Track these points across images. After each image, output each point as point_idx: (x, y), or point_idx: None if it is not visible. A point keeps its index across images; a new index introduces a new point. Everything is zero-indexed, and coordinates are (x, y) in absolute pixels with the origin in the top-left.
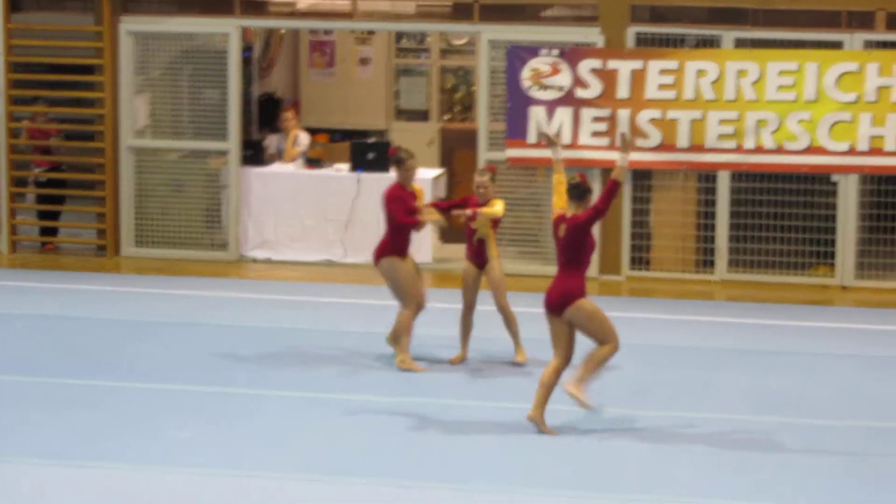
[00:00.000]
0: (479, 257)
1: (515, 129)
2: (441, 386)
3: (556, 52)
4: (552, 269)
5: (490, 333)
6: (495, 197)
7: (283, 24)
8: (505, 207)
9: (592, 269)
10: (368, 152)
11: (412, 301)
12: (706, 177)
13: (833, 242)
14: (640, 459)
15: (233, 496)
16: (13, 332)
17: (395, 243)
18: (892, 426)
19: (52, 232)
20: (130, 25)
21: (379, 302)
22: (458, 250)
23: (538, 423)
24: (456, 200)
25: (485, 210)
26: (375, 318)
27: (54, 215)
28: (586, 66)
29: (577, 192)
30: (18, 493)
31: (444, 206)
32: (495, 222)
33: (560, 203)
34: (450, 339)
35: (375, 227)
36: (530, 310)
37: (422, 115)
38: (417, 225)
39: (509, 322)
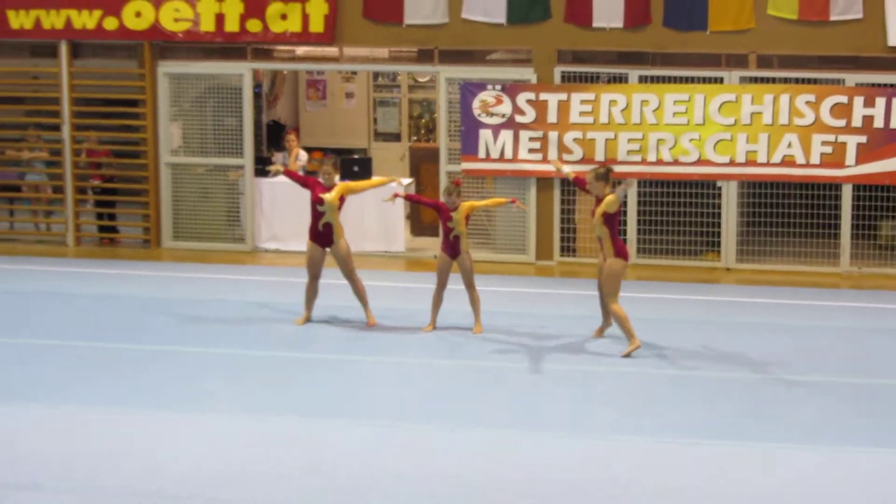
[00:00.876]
0: (452, 250)
1: (469, 146)
2: (419, 347)
3: (499, 87)
4: (501, 256)
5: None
6: (462, 202)
7: (285, 67)
8: (474, 204)
9: (530, 255)
10: (353, 166)
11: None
12: (619, 183)
13: (719, 234)
14: (564, 401)
15: (247, 435)
16: (77, 307)
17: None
18: (760, 377)
19: (108, 230)
20: (166, 68)
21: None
22: (426, 242)
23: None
24: (430, 201)
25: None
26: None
27: (110, 216)
28: (523, 97)
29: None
30: (79, 434)
31: (415, 199)
32: (467, 221)
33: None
34: (421, 311)
35: (359, 223)
36: (483, 288)
37: (395, 137)
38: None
39: (475, 302)
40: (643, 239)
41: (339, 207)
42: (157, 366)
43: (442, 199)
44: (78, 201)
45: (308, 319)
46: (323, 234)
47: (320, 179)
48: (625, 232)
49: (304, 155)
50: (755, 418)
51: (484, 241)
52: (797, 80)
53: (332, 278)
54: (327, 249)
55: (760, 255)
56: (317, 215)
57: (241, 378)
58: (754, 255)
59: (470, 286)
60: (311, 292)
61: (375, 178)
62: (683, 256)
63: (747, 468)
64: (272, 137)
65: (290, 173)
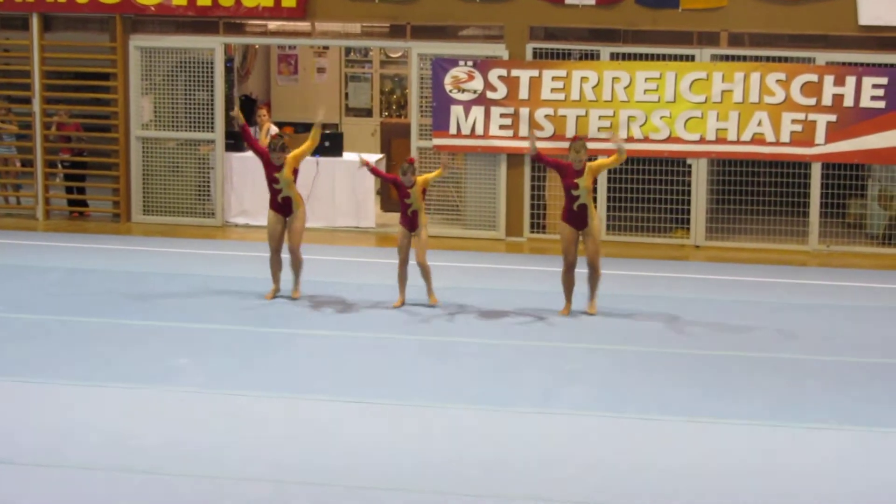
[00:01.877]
0: (410, 224)
1: (440, 122)
2: (387, 322)
3: (470, 63)
4: (471, 233)
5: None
6: (417, 176)
7: (257, 41)
8: (426, 177)
9: (500, 231)
10: (325, 141)
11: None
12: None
13: (689, 211)
14: (534, 379)
15: (215, 410)
16: (46, 281)
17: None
18: (730, 354)
19: (78, 203)
20: (138, 42)
21: (333, 258)
22: (397, 217)
23: None
24: (390, 176)
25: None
26: (330, 270)
27: (80, 190)
28: (495, 73)
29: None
30: (48, 409)
31: (377, 172)
32: (423, 194)
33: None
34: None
35: (331, 199)
36: (452, 264)
37: (367, 112)
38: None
39: (426, 274)
40: (613, 216)
41: (294, 179)
42: (127, 341)
43: (400, 177)
44: (47, 175)
45: (277, 291)
46: (283, 205)
47: (273, 161)
48: (597, 208)
49: (275, 129)
50: (724, 394)
51: (454, 217)
52: (768, 59)
53: (305, 253)
54: (287, 219)
55: (729, 233)
56: (275, 191)
57: (210, 353)
58: (723, 232)
59: (420, 261)
60: (276, 265)
61: (311, 140)
62: (653, 234)
63: (716, 444)
64: (244, 112)
65: (247, 130)
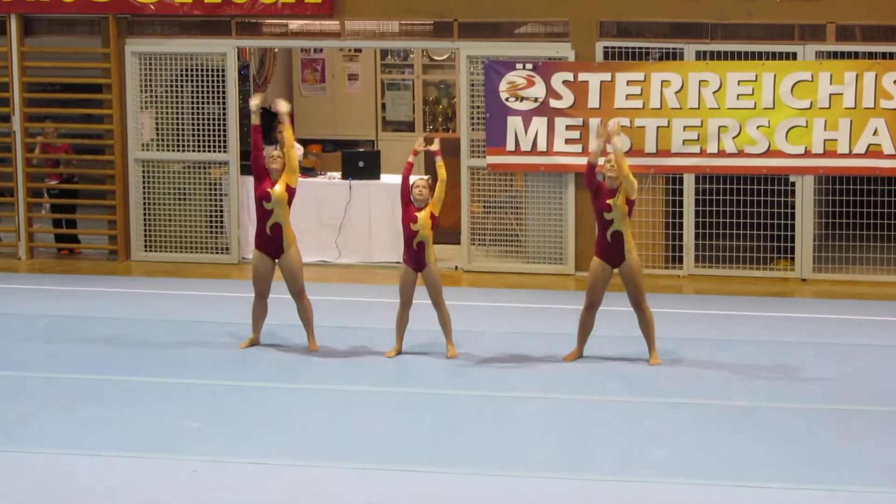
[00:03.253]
0: (416, 261)
1: (495, 137)
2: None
3: (530, 66)
4: (531, 267)
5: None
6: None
7: (276, 44)
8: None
9: (569, 265)
10: (358, 161)
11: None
12: (672, 179)
13: (792, 238)
14: (614, 442)
15: (235, 481)
16: (32, 332)
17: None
18: (849, 408)
19: (68, 239)
20: (135, 47)
21: (370, 300)
22: (445, 251)
23: None
24: (405, 188)
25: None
26: (366, 313)
27: (69, 223)
28: (559, 78)
29: None
30: (33, 481)
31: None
32: (434, 225)
33: None
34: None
35: (367, 229)
36: (511, 304)
37: (407, 126)
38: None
39: (444, 320)
40: (701, 245)
41: (289, 202)
42: (127, 400)
43: (411, 195)
44: (31, 206)
45: (255, 342)
46: (271, 239)
47: (268, 166)
48: (680, 236)
49: (298, 148)
50: (840, 457)
51: (514, 250)
52: (884, 56)
53: (334, 294)
54: (277, 261)
55: (842, 264)
56: (263, 215)
57: (226, 414)
58: (835, 262)
59: (438, 304)
60: (260, 312)
61: (289, 144)
62: (750, 266)
63: None
64: (262, 128)
65: (259, 133)
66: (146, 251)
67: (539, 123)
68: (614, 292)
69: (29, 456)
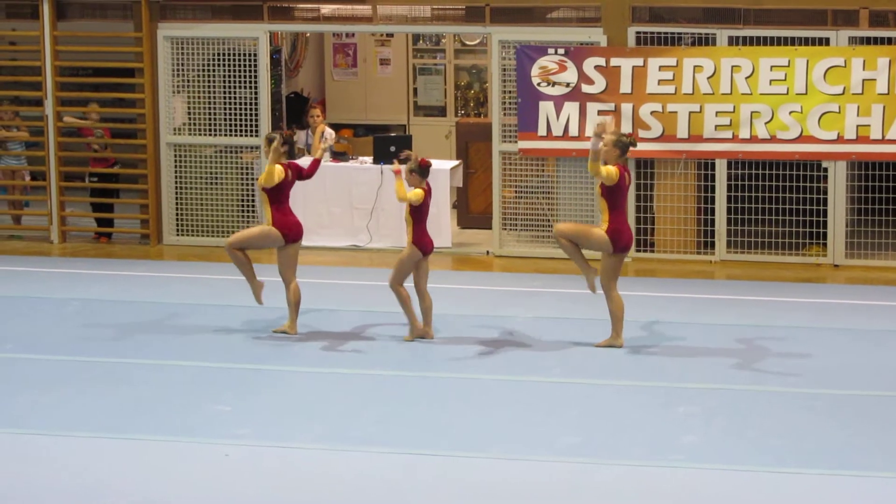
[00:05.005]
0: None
1: (526, 122)
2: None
3: (562, 51)
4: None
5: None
6: (417, 187)
7: (308, 28)
8: (418, 199)
9: None
10: (390, 146)
11: None
12: (705, 164)
13: (825, 224)
14: (646, 426)
15: (266, 465)
16: (64, 316)
17: None
18: (889, 395)
19: (104, 224)
20: (167, 31)
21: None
22: (477, 235)
23: None
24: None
25: (396, 185)
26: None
27: (107, 208)
28: (590, 63)
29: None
30: (63, 465)
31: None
32: (413, 210)
33: None
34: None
35: (398, 214)
36: (543, 290)
37: (439, 111)
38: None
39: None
40: (733, 231)
41: (285, 185)
42: (159, 384)
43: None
44: (63, 189)
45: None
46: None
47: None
48: (712, 222)
49: (330, 133)
50: (875, 443)
51: (545, 235)
52: None
53: (338, 278)
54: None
55: (875, 250)
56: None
57: (259, 398)
58: (868, 248)
59: (391, 283)
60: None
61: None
62: (783, 251)
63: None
64: (293, 113)
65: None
66: (178, 235)
67: (571, 108)
68: (641, 277)
69: (59, 439)
